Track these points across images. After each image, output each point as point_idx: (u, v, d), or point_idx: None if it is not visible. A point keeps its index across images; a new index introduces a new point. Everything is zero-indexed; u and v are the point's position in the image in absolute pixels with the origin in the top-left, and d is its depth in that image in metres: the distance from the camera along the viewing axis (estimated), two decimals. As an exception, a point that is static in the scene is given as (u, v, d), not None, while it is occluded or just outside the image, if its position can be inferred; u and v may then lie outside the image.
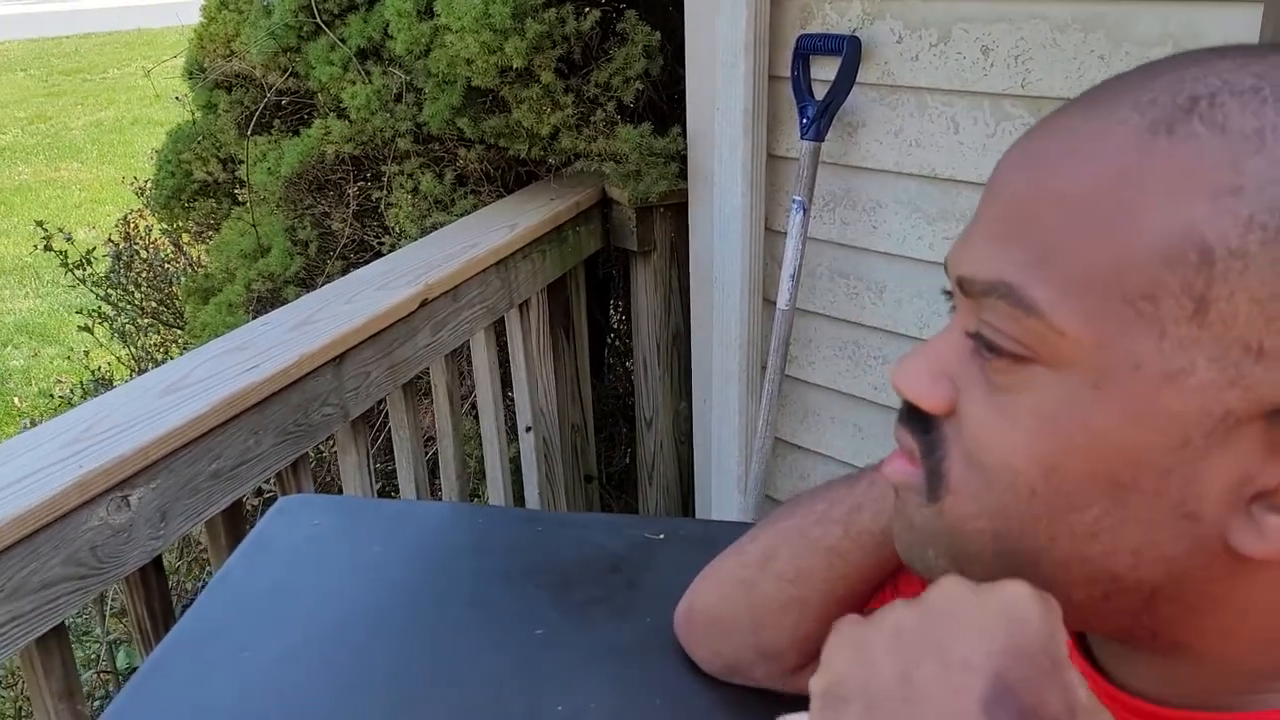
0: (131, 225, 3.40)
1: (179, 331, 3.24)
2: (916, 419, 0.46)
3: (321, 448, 2.13)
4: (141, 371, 3.26)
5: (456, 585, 0.85)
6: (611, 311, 2.70)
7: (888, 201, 1.70)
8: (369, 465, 1.52)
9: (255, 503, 2.04)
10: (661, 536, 0.88)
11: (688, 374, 2.11)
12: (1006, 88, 1.51)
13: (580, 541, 0.89)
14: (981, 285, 0.42)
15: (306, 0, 2.05)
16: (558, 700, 0.71)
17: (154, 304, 3.26)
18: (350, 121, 2.03)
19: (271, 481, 1.36)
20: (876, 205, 1.71)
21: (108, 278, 3.17)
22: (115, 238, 3.34)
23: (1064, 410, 0.40)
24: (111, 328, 3.28)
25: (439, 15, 1.86)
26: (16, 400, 4.61)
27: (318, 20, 2.06)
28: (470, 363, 1.88)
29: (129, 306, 3.24)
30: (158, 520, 1.12)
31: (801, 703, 0.71)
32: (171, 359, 3.23)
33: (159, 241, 3.37)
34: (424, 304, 1.54)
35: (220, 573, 0.85)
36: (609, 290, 2.60)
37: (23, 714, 1.88)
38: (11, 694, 1.96)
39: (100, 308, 3.18)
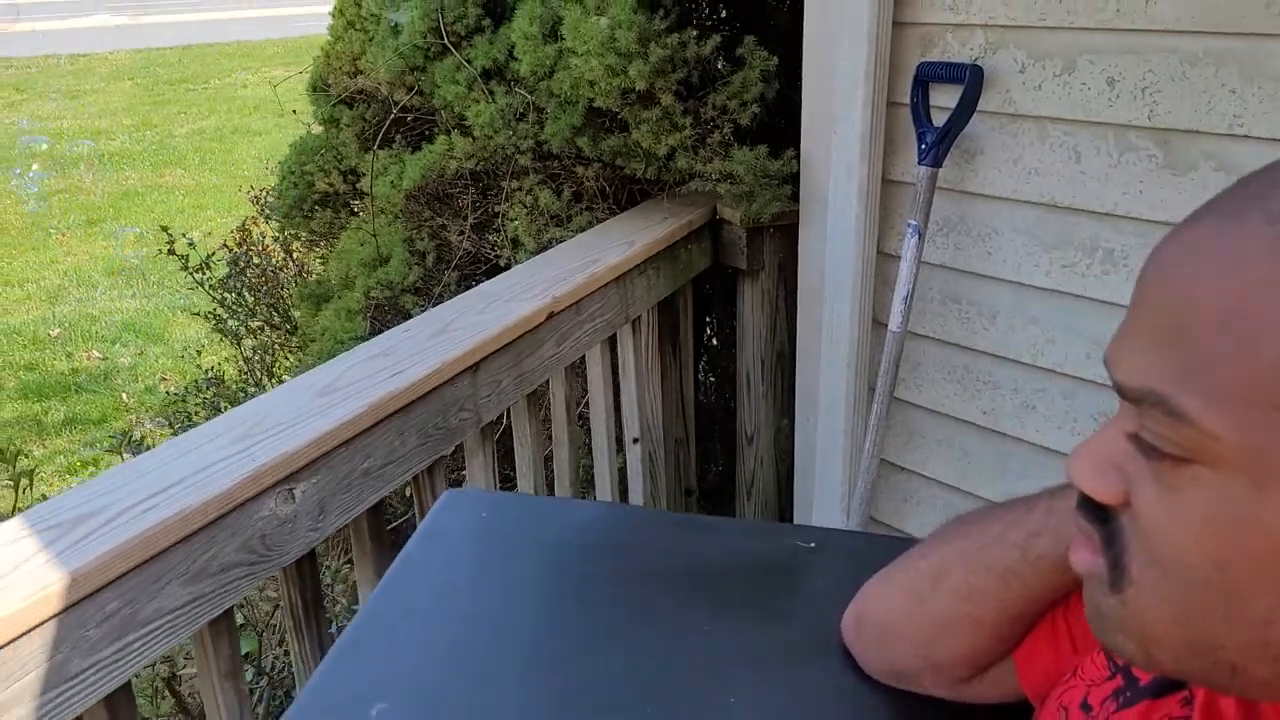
0: (245, 232, 3.55)
1: (285, 334, 3.38)
2: (1094, 509, 0.49)
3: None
4: (250, 371, 3.40)
5: (615, 581, 0.90)
6: (706, 329, 2.74)
7: (1003, 228, 1.72)
8: (494, 468, 1.59)
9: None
10: (813, 545, 0.92)
11: (790, 392, 2.15)
12: (1132, 119, 1.52)
13: (731, 547, 0.93)
14: (1135, 393, 0.45)
15: (435, 23, 2.14)
16: (729, 693, 0.76)
17: (264, 307, 3.40)
18: (474, 138, 2.11)
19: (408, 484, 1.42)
20: (992, 232, 1.73)
21: (223, 282, 3.31)
22: (230, 243, 3.49)
23: (1231, 509, 0.43)
24: (223, 329, 3.43)
25: (564, 39, 1.93)
26: (124, 396, 4.82)
27: (445, 41, 2.15)
28: (581, 375, 1.94)
29: (241, 309, 3.38)
30: (316, 513, 1.19)
31: (966, 710, 0.74)
32: (278, 360, 3.37)
33: (270, 248, 3.51)
34: (550, 316, 1.60)
35: (400, 558, 0.91)
36: (707, 309, 2.65)
37: (161, 691, 1.98)
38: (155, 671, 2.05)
39: (216, 310, 3.32)
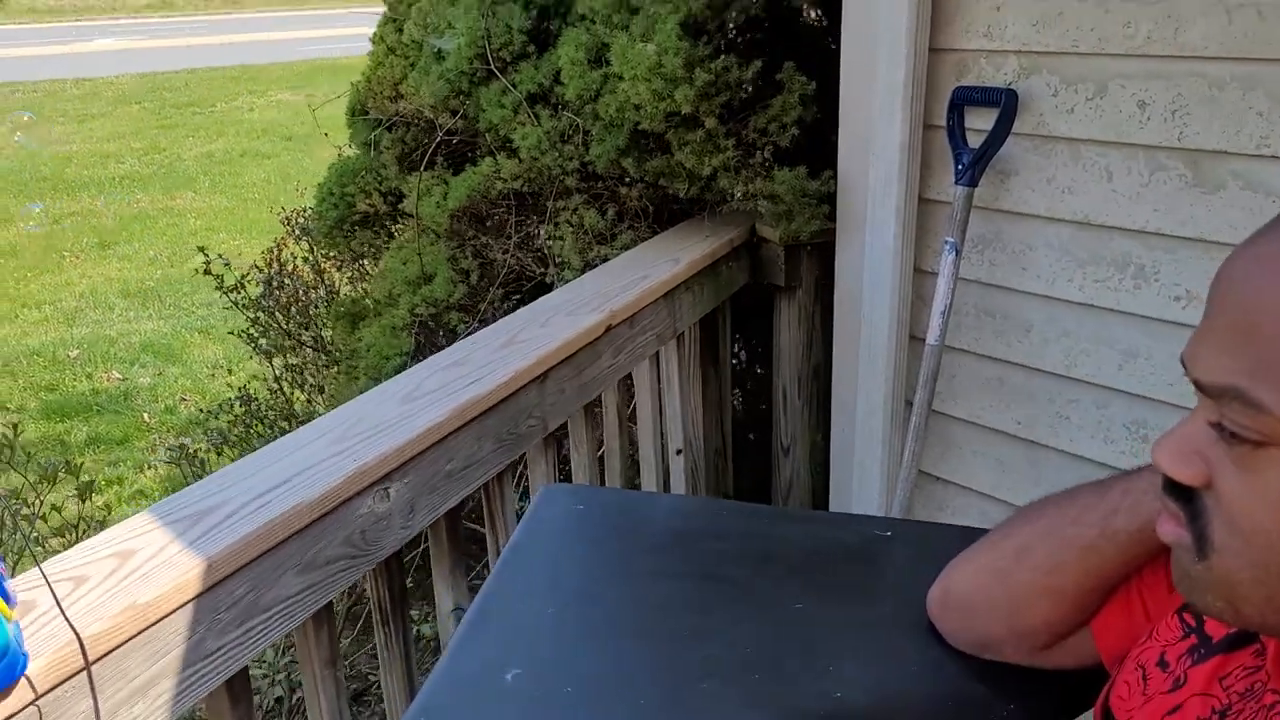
0: (277, 253, 3.62)
1: (312, 352, 3.45)
2: (1178, 489, 0.57)
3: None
4: (280, 389, 3.47)
5: (710, 562, 0.97)
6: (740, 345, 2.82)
7: (1037, 245, 1.80)
8: (555, 475, 1.65)
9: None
10: (889, 534, 0.99)
11: (825, 406, 2.22)
12: (1162, 140, 1.60)
13: (813, 534, 1.00)
14: (1215, 389, 0.53)
15: (481, 49, 2.23)
16: (827, 662, 0.83)
17: (295, 326, 3.48)
18: (520, 160, 2.18)
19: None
20: (1026, 249, 1.81)
21: (257, 302, 3.38)
22: (260, 264, 3.56)
23: None
24: (254, 347, 3.50)
25: (611, 65, 2.01)
26: (145, 416, 4.87)
27: (491, 67, 2.23)
28: (628, 387, 2.01)
29: (272, 328, 3.46)
30: (408, 512, 1.25)
31: (1044, 676, 0.81)
32: (309, 377, 3.44)
33: (300, 269, 3.59)
34: (608, 329, 1.67)
35: (510, 545, 0.98)
36: (742, 325, 2.72)
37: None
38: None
39: (249, 329, 3.39)
